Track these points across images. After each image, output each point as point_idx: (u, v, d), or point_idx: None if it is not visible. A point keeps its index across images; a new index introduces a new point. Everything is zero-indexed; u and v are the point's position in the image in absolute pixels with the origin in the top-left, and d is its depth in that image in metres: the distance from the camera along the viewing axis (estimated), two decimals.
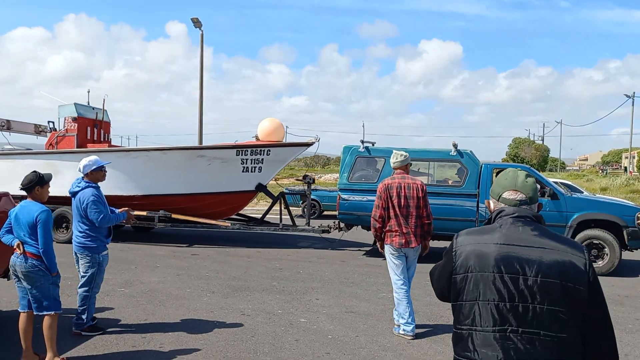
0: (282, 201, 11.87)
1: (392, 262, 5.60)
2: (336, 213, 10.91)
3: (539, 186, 8.99)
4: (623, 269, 9.41)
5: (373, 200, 11.16)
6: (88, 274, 5.23)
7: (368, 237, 10.84)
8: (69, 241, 6.47)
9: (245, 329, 5.61)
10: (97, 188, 5.34)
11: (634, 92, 46.49)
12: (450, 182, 10.62)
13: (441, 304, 6.84)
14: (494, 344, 1.92)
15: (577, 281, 1.91)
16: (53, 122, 13.31)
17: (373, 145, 10.78)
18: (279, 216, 11.71)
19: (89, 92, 14.21)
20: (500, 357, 1.90)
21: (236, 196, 11.59)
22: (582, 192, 17.05)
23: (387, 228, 5.52)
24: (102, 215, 5.18)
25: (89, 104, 13.38)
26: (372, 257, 10.32)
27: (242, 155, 11.15)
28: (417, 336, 5.45)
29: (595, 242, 9.18)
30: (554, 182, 10.78)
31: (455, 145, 10.12)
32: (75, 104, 12.76)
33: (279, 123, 11.46)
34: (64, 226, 11.28)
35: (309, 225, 11.58)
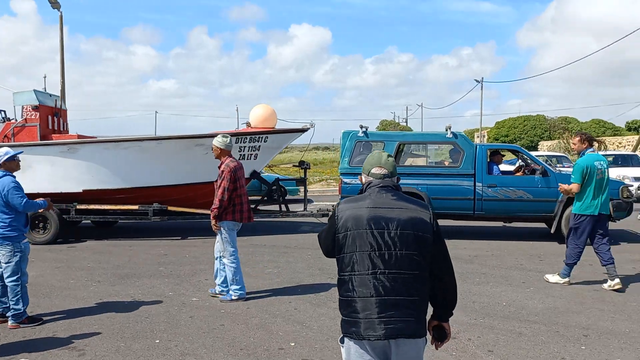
0: (278, 188, 11.82)
1: (232, 236, 6.25)
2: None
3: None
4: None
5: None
6: (12, 263, 5.24)
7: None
8: None
9: (139, 311, 5.80)
10: (14, 176, 5.36)
11: (482, 78, 51.52)
12: (446, 163, 11.05)
13: (322, 274, 7.54)
14: (368, 283, 2.49)
15: (425, 230, 2.54)
16: (4, 111, 11.94)
17: (367, 129, 10.86)
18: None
19: (45, 77, 13.08)
20: (372, 293, 2.48)
21: None
22: None
23: (232, 206, 6.16)
24: (25, 200, 5.23)
25: (45, 90, 12.08)
26: (255, 236, 10.76)
27: (240, 142, 10.84)
28: (302, 302, 6.05)
29: None
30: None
31: (449, 128, 10.52)
32: (35, 90, 11.55)
33: (272, 109, 11.30)
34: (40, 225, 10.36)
35: (306, 210, 11.64)
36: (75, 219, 10.81)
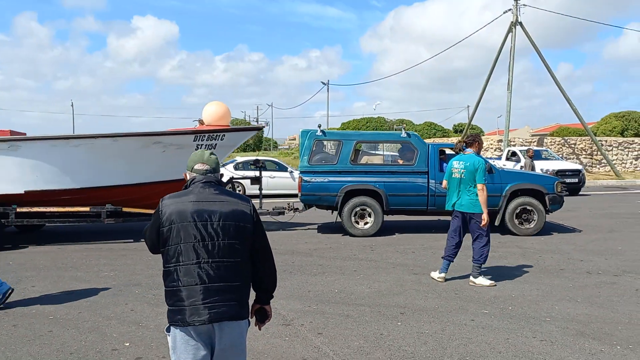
0: (232, 187, 11.68)
1: None
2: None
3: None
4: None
5: (333, 182, 10.77)
6: None
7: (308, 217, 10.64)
8: None
9: None
10: None
11: (329, 80, 54.26)
12: (400, 161, 11.11)
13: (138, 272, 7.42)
14: (192, 273, 2.63)
15: (246, 221, 2.75)
16: None
17: (320, 127, 11.01)
18: None
19: None
20: (197, 282, 2.62)
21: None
22: (287, 169, 19.57)
23: None
24: None
25: None
26: (90, 241, 10.20)
27: (198, 140, 10.41)
28: (139, 303, 5.95)
29: (527, 208, 10.68)
30: None
31: (404, 128, 11.04)
32: None
33: (227, 107, 10.90)
34: None
35: (261, 208, 11.54)
36: (16, 224, 9.77)
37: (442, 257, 7.13)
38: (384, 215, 10.78)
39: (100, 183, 10.02)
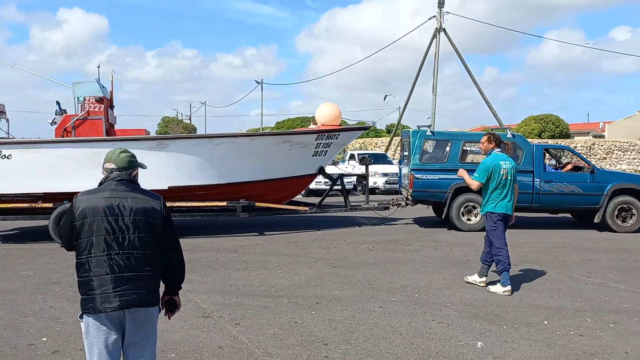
0: (341, 183, 12.35)
1: None
2: None
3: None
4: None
5: (443, 179, 11.08)
6: None
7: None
8: None
9: None
10: None
11: (262, 79, 54.16)
12: None
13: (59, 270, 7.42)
14: (103, 263, 2.84)
15: (156, 217, 2.98)
16: (59, 102, 10.85)
17: (430, 127, 12.00)
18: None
19: (99, 67, 11.50)
20: (107, 272, 2.83)
21: (302, 180, 11.83)
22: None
23: None
24: None
25: (99, 80, 11.00)
26: (7, 244, 9.93)
27: (319, 139, 11.25)
28: (59, 300, 5.98)
29: (626, 206, 11.22)
30: None
31: (509, 129, 11.65)
32: (97, 81, 10.75)
33: (339, 109, 11.80)
34: None
35: (367, 203, 12.28)
36: None
37: (500, 270, 6.58)
38: None
39: (235, 179, 10.72)
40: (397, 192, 14.67)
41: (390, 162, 20.20)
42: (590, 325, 5.33)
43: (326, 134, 11.32)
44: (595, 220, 11.33)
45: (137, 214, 2.93)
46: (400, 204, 12.22)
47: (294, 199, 12.74)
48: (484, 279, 6.81)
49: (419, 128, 11.95)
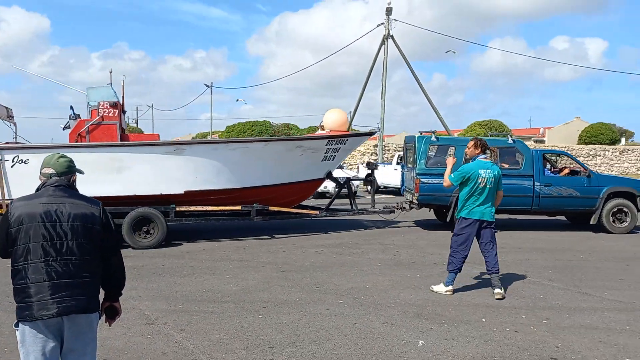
0: (348, 187, 12.63)
1: None
2: None
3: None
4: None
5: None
6: None
7: None
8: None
9: None
10: None
11: (212, 83, 53.62)
12: (506, 165, 11.66)
13: None
14: (41, 270, 2.79)
15: (95, 223, 2.95)
16: (73, 107, 11.01)
17: (434, 133, 12.23)
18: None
19: (111, 72, 11.62)
20: (45, 279, 2.79)
21: (310, 184, 12.03)
22: None
23: None
24: None
25: (111, 85, 11.05)
26: None
27: (329, 144, 11.52)
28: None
29: (622, 208, 11.63)
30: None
31: (511, 135, 11.98)
32: (110, 86, 10.88)
33: (346, 114, 12.24)
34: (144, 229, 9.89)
35: (373, 207, 12.63)
36: (173, 222, 10.28)
37: (449, 270, 6.72)
38: None
39: (249, 183, 10.84)
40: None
41: (341, 167, 20.45)
42: (525, 321, 5.60)
43: (336, 140, 11.64)
44: (592, 222, 11.81)
45: (75, 220, 2.89)
46: (404, 207, 12.63)
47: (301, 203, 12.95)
48: (497, 289, 6.56)
49: (421, 134, 12.39)
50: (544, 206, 11.86)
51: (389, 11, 28.90)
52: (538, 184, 11.72)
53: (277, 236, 11.23)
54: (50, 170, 3.00)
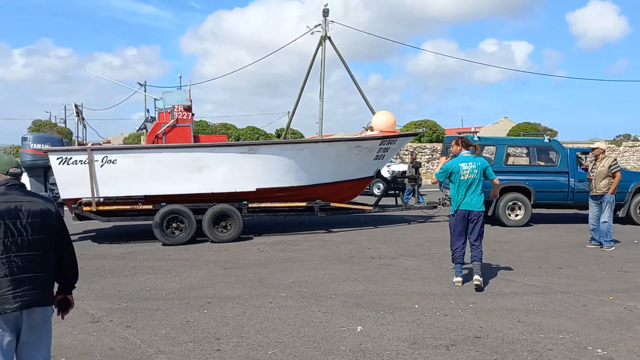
0: (395, 184, 14.08)
1: None
2: None
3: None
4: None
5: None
6: None
7: None
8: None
9: None
10: None
11: (145, 81, 52.41)
12: (541, 163, 12.57)
13: None
14: (2, 266, 2.88)
15: (51, 219, 3.08)
16: (148, 110, 11.86)
17: (476, 133, 12.96)
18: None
19: (180, 77, 12.75)
20: (6, 274, 2.88)
21: (363, 181, 12.73)
22: None
23: None
24: None
25: (182, 89, 12.06)
26: None
27: (382, 144, 12.30)
28: None
29: None
30: None
31: (547, 134, 13.06)
32: (184, 90, 11.75)
33: (394, 116, 13.04)
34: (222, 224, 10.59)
35: (418, 202, 13.85)
36: (246, 217, 10.91)
37: (454, 263, 7.16)
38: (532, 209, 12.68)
39: (312, 181, 11.48)
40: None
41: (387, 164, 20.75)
42: (453, 306, 6.08)
43: (388, 140, 12.46)
44: (620, 214, 12.65)
45: (34, 217, 3.02)
46: (445, 203, 13.12)
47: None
48: (476, 276, 6.90)
49: (458, 134, 13.18)
50: (578, 200, 12.66)
51: (325, 12, 29.34)
52: (572, 180, 12.62)
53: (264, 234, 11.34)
54: (17, 170, 3.11)
